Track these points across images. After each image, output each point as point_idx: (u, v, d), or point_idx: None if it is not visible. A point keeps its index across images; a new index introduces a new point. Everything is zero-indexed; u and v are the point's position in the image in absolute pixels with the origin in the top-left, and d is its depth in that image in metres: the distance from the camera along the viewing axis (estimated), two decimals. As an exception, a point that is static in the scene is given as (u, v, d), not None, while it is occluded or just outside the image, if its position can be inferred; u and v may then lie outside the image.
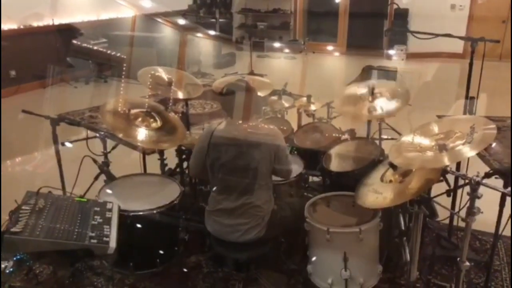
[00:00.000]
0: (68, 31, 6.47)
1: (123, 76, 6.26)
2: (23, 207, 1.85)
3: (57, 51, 6.38)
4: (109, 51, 6.70)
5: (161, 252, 2.38)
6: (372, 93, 2.69)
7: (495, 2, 8.33)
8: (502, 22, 8.23)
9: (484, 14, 8.32)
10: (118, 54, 6.65)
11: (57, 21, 6.42)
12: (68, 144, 2.58)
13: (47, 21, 6.35)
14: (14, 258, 1.87)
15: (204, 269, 2.57)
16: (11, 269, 1.85)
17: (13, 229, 1.71)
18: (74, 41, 6.44)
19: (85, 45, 6.55)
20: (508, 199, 1.95)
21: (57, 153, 2.53)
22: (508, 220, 2.08)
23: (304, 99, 3.30)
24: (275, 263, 2.53)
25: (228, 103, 2.25)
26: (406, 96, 2.69)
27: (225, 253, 2.30)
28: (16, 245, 1.72)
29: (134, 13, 7.44)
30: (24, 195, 1.95)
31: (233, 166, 2.19)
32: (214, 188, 2.29)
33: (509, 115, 5.21)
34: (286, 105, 3.36)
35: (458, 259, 1.93)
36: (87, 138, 2.57)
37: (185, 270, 2.53)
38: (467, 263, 1.92)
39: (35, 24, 6.26)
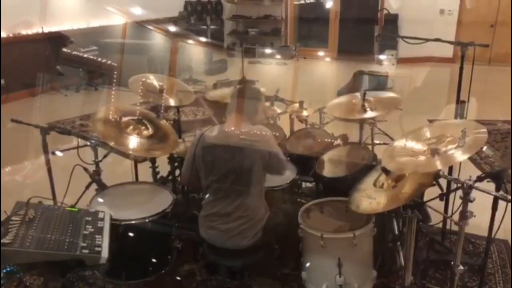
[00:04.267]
0: (58, 39, 6.44)
1: (114, 84, 6.22)
2: (12, 218, 1.82)
3: (47, 59, 6.33)
4: (99, 59, 6.67)
5: (154, 260, 2.36)
6: (364, 99, 2.70)
7: (483, 7, 8.44)
8: (490, 26, 8.34)
9: (473, 19, 8.42)
10: (109, 62, 6.63)
11: (46, 29, 6.38)
12: (58, 153, 2.55)
13: (36, 29, 6.32)
14: (4, 271, 1.84)
15: (198, 277, 2.55)
16: (1, 282, 1.81)
17: (3, 241, 1.68)
18: (64, 49, 6.40)
19: (75, 53, 6.51)
20: (500, 202, 1.96)
21: (48, 162, 2.50)
22: (500, 223, 2.09)
23: (296, 105, 3.30)
24: (269, 270, 2.52)
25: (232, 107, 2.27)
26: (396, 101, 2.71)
27: (219, 261, 2.28)
28: (6, 257, 1.69)
29: (124, 20, 7.42)
30: (14, 206, 1.92)
31: (225, 172, 2.18)
32: (208, 195, 2.28)
33: (499, 118, 5.27)
34: (279, 111, 3.36)
35: (452, 263, 1.93)
36: (78, 147, 2.54)
37: (178, 278, 2.51)
38: (461, 267, 1.92)
39: (24, 32, 6.22)
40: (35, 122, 2.48)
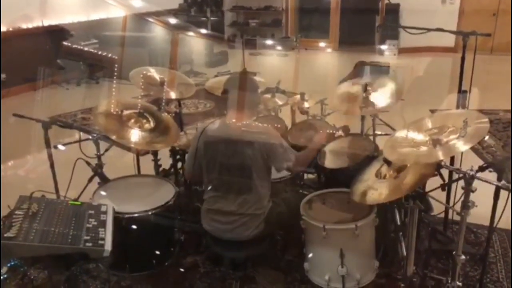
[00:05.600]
0: (58, 33, 6.41)
1: (114, 77, 6.21)
2: (16, 212, 1.83)
3: (47, 53, 6.31)
4: (100, 52, 6.64)
5: (157, 253, 2.37)
6: (365, 90, 2.69)
7: (485, -5, 8.37)
8: (492, 15, 8.27)
9: (475, 8, 8.35)
10: (110, 55, 6.60)
11: (46, 23, 6.35)
12: (60, 147, 2.55)
13: (36, 23, 6.29)
14: (8, 264, 1.85)
15: (201, 269, 2.56)
16: (5, 275, 1.83)
17: (6, 235, 1.69)
18: (65, 43, 6.38)
19: (75, 46, 6.49)
20: (502, 191, 1.96)
21: (50, 156, 2.51)
22: (502, 212, 2.09)
23: (298, 96, 3.29)
24: (272, 261, 2.53)
25: (227, 99, 2.26)
26: (399, 91, 2.70)
27: (222, 252, 2.30)
28: (10, 251, 1.70)
29: (124, 13, 7.38)
30: (17, 200, 1.93)
31: (228, 165, 2.18)
32: (210, 188, 2.28)
33: (501, 107, 5.25)
34: (280, 102, 3.35)
35: (454, 252, 1.94)
36: (80, 141, 2.55)
37: (182, 270, 2.53)
38: (463, 257, 1.93)
39: (24, 26, 6.20)
40: (37, 116, 2.48)
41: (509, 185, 1.78)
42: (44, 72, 6.23)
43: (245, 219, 2.20)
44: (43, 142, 2.46)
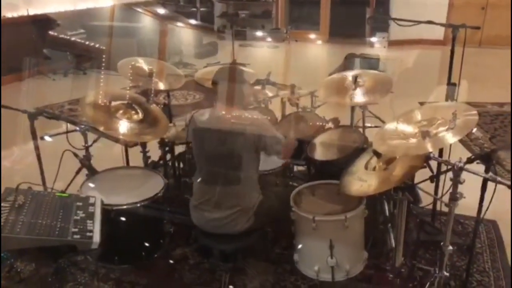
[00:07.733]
0: (44, 22, 6.29)
1: (102, 68, 6.13)
2: (2, 204, 1.80)
3: (33, 43, 6.20)
4: (87, 42, 6.55)
5: (147, 245, 2.36)
6: (355, 81, 2.69)
7: (474, -12, 8.40)
8: (481, 8, 8.32)
9: (464, 1, 8.39)
10: (97, 45, 6.51)
11: (32, 12, 6.23)
12: (47, 138, 2.51)
13: (21, 12, 6.16)
14: (-6, 257, 1.82)
15: (191, 261, 2.56)
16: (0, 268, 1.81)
17: (-9, 227, 1.67)
18: (51, 32, 6.27)
19: (62, 36, 6.39)
20: (489, 183, 1.98)
21: (36, 148, 2.46)
22: (489, 204, 2.12)
23: (288, 88, 3.28)
24: (261, 252, 2.54)
25: (217, 90, 2.22)
26: (388, 84, 2.71)
27: (211, 245, 2.29)
28: (-4, 243, 1.68)
29: (112, 2, 7.27)
30: (3, 192, 1.90)
31: (217, 157, 2.16)
32: (199, 179, 2.27)
33: (489, 100, 5.31)
34: (270, 94, 3.33)
35: (442, 243, 1.96)
36: (67, 132, 2.51)
37: (171, 262, 2.52)
38: (450, 247, 1.95)
39: (9, 15, 6.07)
40: (23, 107, 2.43)
41: (497, 177, 1.80)
42: (30, 62, 6.12)
43: (234, 215, 2.17)
44: (29, 133, 2.42)
